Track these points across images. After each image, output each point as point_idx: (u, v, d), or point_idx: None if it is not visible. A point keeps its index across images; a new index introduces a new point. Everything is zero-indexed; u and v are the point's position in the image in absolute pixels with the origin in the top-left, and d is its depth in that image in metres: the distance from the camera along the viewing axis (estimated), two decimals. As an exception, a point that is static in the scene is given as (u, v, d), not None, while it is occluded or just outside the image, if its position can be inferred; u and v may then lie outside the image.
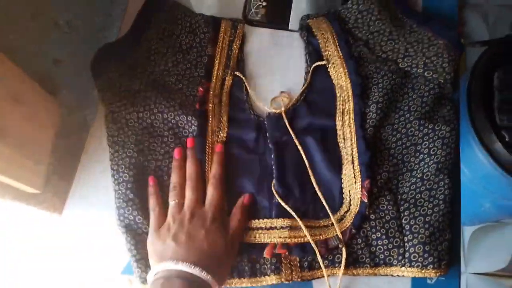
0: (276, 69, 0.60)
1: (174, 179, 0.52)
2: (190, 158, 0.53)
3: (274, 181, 0.51)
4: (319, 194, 0.51)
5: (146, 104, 0.54)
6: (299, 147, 0.53)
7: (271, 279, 0.49)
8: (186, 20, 0.60)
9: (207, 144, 0.53)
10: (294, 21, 0.62)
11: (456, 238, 0.51)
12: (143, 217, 0.50)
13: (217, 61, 0.58)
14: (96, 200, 0.54)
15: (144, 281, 0.49)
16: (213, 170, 0.52)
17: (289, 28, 0.62)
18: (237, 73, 0.58)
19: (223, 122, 0.55)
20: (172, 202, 0.50)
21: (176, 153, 0.53)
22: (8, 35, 0.42)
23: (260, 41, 0.61)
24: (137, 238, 0.50)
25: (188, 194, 0.50)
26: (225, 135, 0.54)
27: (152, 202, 0.51)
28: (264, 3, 0.62)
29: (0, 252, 0.52)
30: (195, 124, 0.54)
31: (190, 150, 0.53)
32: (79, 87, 0.56)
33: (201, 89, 0.56)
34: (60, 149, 0.52)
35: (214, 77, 0.57)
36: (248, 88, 0.58)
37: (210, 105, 0.55)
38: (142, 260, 0.49)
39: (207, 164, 0.53)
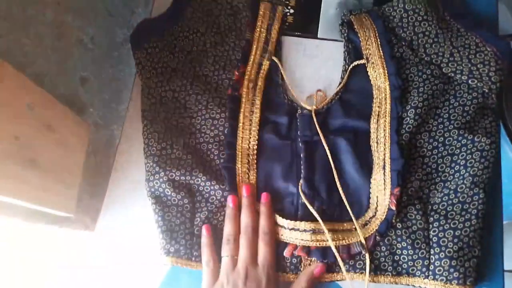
0: (309, 74, 0.58)
1: (228, 231, 0.48)
2: (246, 208, 0.49)
3: (301, 181, 0.51)
4: (343, 197, 0.50)
5: (183, 84, 0.54)
6: (326, 149, 0.52)
7: (289, 277, 0.49)
8: (226, 1, 0.59)
9: (239, 129, 0.53)
10: (323, 29, 0.60)
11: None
12: (171, 190, 0.50)
13: (254, 46, 0.57)
14: (127, 216, 0.54)
15: (167, 252, 0.49)
16: (263, 225, 0.48)
17: (318, 36, 0.60)
18: (274, 58, 0.57)
19: (256, 106, 0.54)
20: (225, 258, 0.47)
21: (230, 201, 0.50)
22: (35, 61, 0.41)
23: (289, 50, 0.59)
24: (166, 209, 0.50)
25: (243, 251, 0.47)
26: (258, 118, 0.54)
27: (206, 256, 0.48)
28: (292, 11, 0.60)
29: (37, 271, 0.53)
30: (227, 108, 0.53)
31: (247, 199, 0.50)
32: (104, 103, 0.56)
33: (236, 73, 0.55)
34: (89, 167, 0.51)
35: (251, 62, 0.56)
36: (284, 73, 0.57)
37: (244, 89, 0.55)
38: (168, 231, 0.49)
39: (237, 151, 0.52)
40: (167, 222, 0.50)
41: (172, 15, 0.57)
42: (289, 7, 0.61)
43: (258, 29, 0.58)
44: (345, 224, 0.49)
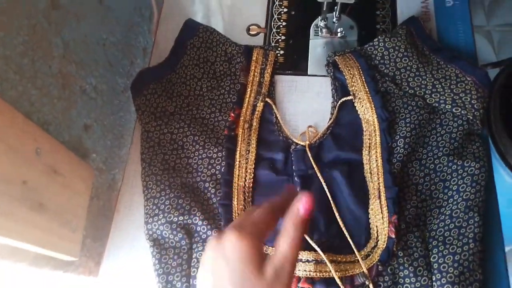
0: (302, 109, 0.61)
1: None
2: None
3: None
4: (344, 229, 0.51)
5: (180, 126, 0.57)
6: (322, 181, 0.53)
7: None
8: (221, 48, 0.63)
9: (235, 167, 0.55)
10: (312, 67, 0.64)
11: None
12: (169, 231, 0.51)
13: (249, 89, 0.60)
14: (131, 259, 0.54)
15: None
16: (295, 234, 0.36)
17: (308, 73, 0.63)
18: (268, 99, 0.60)
19: (252, 145, 0.57)
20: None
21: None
22: (41, 109, 0.44)
23: (282, 87, 0.63)
24: (163, 252, 0.51)
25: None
26: (253, 157, 0.56)
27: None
28: (282, 52, 0.65)
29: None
30: (224, 148, 0.56)
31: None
32: (106, 149, 0.59)
33: (232, 114, 0.58)
34: (92, 211, 0.53)
35: (246, 104, 0.59)
36: (277, 112, 0.59)
37: (240, 130, 0.57)
38: (164, 275, 0.50)
39: (234, 188, 0.53)
40: (164, 265, 0.50)
41: (170, 64, 0.61)
42: (279, 49, 0.65)
43: (252, 73, 0.62)
44: (347, 257, 0.50)
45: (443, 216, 0.50)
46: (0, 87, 0.38)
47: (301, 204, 0.36)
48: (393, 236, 0.49)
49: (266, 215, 0.36)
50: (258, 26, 0.67)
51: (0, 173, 0.35)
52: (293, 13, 0.68)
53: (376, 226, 0.51)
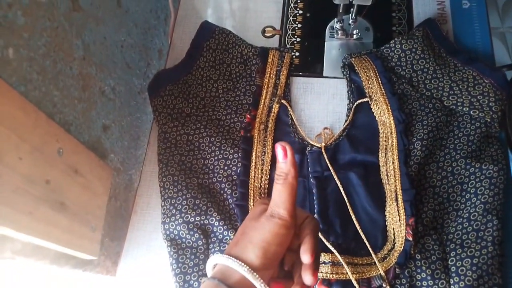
0: (317, 111, 0.61)
1: None
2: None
3: (315, 216, 0.52)
4: (360, 231, 0.50)
5: (197, 127, 0.57)
6: (338, 183, 0.53)
7: None
8: (237, 50, 0.63)
9: (251, 169, 0.55)
10: (328, 69, 0.64)
11: None
12: (186, 231, 0.52)
13: (264, 91, 0.61)
14: (148, 259, 0.54)
15: None
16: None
17: (324, 75, 0.63)
18: (283, 101, 0.60)
19: (268, 146, 0.57)
20: None
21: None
22: (63, 110, 0.44)
23: (297, 89, 0.63)
24: (180, 252, 0.51)
25: None
26: (269, 158, 0.56)
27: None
28: (297, 53, 0.65)
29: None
30: (240, 149, 0.56)
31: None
32: (124, 149, 0.59)
33: (248, 116, 0.58)
34: (110, 212, 0.53)
35: (261, 105, 0.60)
36: (293, 114, 0.59)
37: (256, 131, 0.57)
38: (181, 274, 0.50)
39: (250, 189, 0.54)
40: (181, 265, 0.50)
41: (186, 65, 0.62)
42: (294, 50, 0.65)
43: (268, 75, 0.62)
44: (364, 259, 0.50)
45: (461, 219, 0.50)
46: (25, 88, 0.38)
47: (279, 154, 0.36)
48: (411, 238, 0.48)
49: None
50: (274, 28, 0.68)
51: (24, 172, 0.36)
52: (308, 15, 0.68)
53: (393, 229, 0.50)
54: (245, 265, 0.33)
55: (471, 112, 0.54)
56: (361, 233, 0.50)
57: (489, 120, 0.53)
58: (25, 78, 0.39)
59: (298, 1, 0.69)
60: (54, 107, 0.43)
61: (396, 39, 0.60)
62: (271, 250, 0.34)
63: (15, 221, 0.34)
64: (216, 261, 0.35)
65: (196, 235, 0.52)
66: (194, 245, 0.52)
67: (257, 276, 0.33)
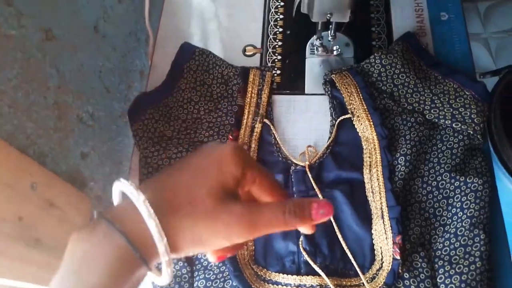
0: (300, 129, 0.61)
1: None
2: None
3: (301, 238, 0.51)
4: (347, 251, 0.50)
5: (179, 151, 0.56)
6: None
7: None
8: (217, 71, 0.63)
9: None
10: (309, 86, 0.63)
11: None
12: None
13: (246, 110, 0.60)
14: None
15: None
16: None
17: (306, 92, 0.63)
18: (266, 120, 0.60)
19: None
20: None
21: None
22: (37, 142, 0.43)
23: (280, 108, 0.62)
24: None
25: None
26: None
27: None
28: (278, 71, 0.65)
29: None
30: None
31: None
32: (105, 175, 0.58)
33: (230, 137, 0.57)
34: None
35: (244, 125, 0.59)
36: (276, 133, 0.59)
37: None
38: None
39: None
40: None
41: (167, 87, 0.61)
42: (276, 69, 0.65)
43: (249, 95, 0.61)
44: (352, 280, 0.49)
45: (448, 235, 0.49)
46: (-5, 123, 0.38)
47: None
48: (398, 257, 0.48)
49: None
50: (254, 47, 0.67)
51: (-5, 210, 0.34)
52: (288, 32, 0.68)
53: (380, 247, 0.50)
54: (166, 241, 0.25)
55: (454, 125, 0.54)
56: (348, 253, 0.49)
57: (471, 132, 0.53)
58: (-5, 113, 0.38)
59: (278, 19, 0.69)
60: (27, 139, 0.42)
61: (375, 54, 0.60)
62: (209, 239, 0.26)
63: (-15, 263, 0.33)
64: (124, 190, 0.27)
65: (180, 263, 0.50)
66: (178, 273, 0.50)
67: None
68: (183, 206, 0.26)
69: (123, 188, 0.27)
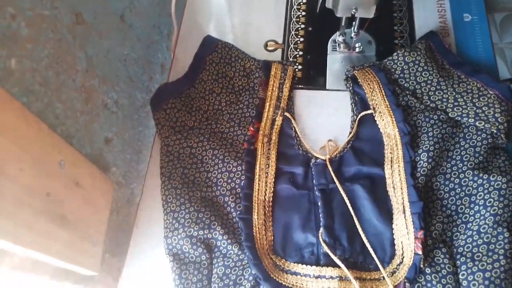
0: (321, 123, 0.61)
1: None
2: None
3: (321, 230, 0.50)
4: (368, 244, 0.49)
5: (200, 140, 0.56)
6: (344, 196, 0.52)
7: None
8: (240, 63, 0.63)
9: (255, 181, 0.54)
10: (330, 82, 0.64)
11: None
12: (189, 246, 0.50)
13: (267, 103, 0.60)
14: (150, 275, 0.52)
15: None
16: None
17: (327, 88, 0.63)
18: (287, 114, 0.60)
19: (272, 159, 0.56)
20: None
21: None
22: (65, 122, 0.44)
23: (301, 102, 0.63)
24: (183, 267, 0.50)
25: None
26: (273, 171, 0.55)
27: None
28: (300, 67, 0.65)
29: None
30: (243, 162, 0.55)
31: None
32: (126, 162, 0.59)
33: (251, 129, 0.58)
34: (111, 226, 0.52)
35: (265, 118, 0.59)
36: (296, 126, 0.59)
37: (259, 144, 0.57)
38: None
39: (254, 202, 0.52)
40: (184, 281, 0.49)
41: (189, 79, 0.61)
42: (297, 64, 0.65)
43: (271, 88, 0.62)
44: (372, 274, 0.48)
45: (471, 232, 0.49)
46: (27, 99, 0.38)
47: None
48: (420, 252, 0.47)
49: None
50: (276, 42, 0.68)
51: (24, 184, 0.35)
52: (310, 29, 0.68)
53: (401, 242, 0.49)
54: None
55: (477, 123, 0.53)
56: (369, 247, 0.49)
57: (495, 131, 0.53)
58: (27, 89, 0.38)
59: (300, 15, 0.70)
60: (56, 118, 0.42)
61: (398, 51, 0.60)
62: None
63: (14, 234, 0.33)
64: None
65: (200, 250, 0.50)
66: (197, 260, 0.50)
67: None
68: None
69: None
